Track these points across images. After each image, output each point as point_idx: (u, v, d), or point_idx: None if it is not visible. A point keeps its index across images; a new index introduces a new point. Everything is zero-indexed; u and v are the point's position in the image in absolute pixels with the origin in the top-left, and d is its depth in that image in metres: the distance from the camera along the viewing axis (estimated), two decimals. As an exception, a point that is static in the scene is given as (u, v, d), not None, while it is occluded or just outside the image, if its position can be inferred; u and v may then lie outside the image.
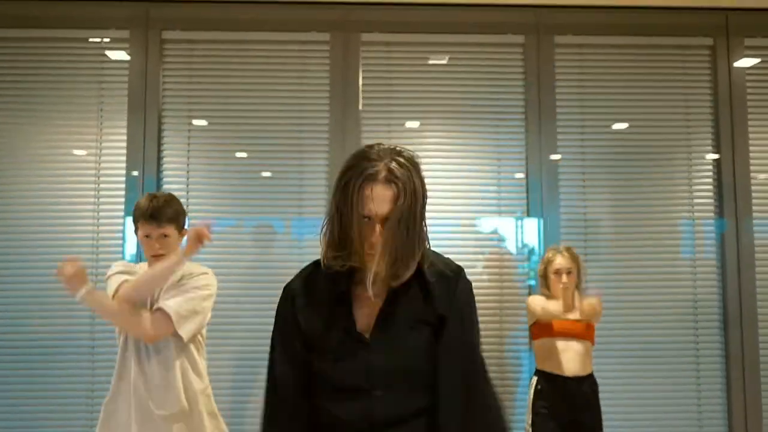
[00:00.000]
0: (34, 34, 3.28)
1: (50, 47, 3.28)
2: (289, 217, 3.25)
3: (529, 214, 3.26)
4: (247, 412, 3.09)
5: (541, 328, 2.76)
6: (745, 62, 3.37)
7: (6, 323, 3.12)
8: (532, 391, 2.75)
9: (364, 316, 1.30)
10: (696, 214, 3.31)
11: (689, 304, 3.27)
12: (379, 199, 1.20)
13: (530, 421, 2.72)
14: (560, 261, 2.74)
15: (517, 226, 3.28)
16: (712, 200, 3.32)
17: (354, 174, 1.22)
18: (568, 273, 2.71)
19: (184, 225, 2.24)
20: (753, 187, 3.31)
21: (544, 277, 2.81)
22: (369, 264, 1.24)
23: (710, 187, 3.33)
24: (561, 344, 2.70)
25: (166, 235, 2.15)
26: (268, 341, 1.37)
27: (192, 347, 2.19)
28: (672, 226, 3.30)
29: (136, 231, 2.20)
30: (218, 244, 3.07)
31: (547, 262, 2.78)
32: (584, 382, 2.70)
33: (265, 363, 1.38)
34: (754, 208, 3.30)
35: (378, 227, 1.22)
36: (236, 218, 3.24)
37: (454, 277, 1.34)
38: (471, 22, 3.32)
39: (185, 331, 2.08)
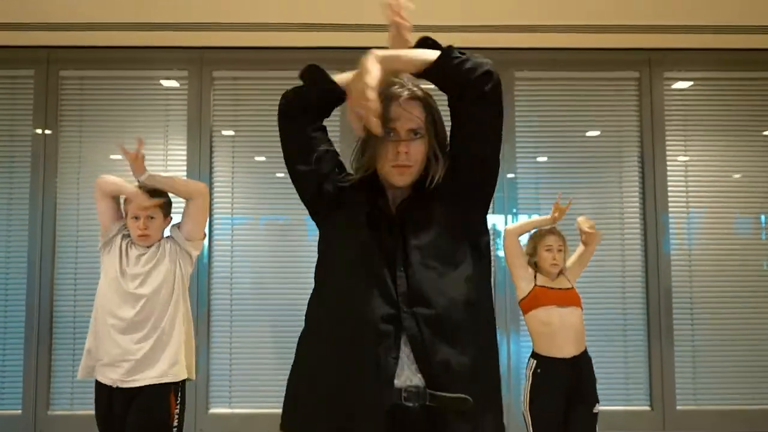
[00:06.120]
0: (112, 74, 4.33)
1: (125, 84, 4.33)
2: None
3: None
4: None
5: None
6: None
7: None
8: None
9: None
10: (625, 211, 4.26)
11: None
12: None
13: None
14: (552, 238, 2.91)
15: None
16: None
17: None
18: (559, 251, 2.91)
19: (168, 212, 2.53)
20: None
21: (533, 254, 2.96)
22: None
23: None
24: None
25: (152, 217, 2.43)
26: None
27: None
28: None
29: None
30: (257, 235, 4.12)
31: (538, 237, 2.94)
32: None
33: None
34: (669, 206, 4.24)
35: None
36: (270, 211, 4.26)
37: None
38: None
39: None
